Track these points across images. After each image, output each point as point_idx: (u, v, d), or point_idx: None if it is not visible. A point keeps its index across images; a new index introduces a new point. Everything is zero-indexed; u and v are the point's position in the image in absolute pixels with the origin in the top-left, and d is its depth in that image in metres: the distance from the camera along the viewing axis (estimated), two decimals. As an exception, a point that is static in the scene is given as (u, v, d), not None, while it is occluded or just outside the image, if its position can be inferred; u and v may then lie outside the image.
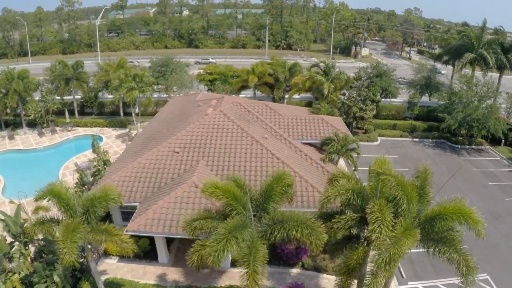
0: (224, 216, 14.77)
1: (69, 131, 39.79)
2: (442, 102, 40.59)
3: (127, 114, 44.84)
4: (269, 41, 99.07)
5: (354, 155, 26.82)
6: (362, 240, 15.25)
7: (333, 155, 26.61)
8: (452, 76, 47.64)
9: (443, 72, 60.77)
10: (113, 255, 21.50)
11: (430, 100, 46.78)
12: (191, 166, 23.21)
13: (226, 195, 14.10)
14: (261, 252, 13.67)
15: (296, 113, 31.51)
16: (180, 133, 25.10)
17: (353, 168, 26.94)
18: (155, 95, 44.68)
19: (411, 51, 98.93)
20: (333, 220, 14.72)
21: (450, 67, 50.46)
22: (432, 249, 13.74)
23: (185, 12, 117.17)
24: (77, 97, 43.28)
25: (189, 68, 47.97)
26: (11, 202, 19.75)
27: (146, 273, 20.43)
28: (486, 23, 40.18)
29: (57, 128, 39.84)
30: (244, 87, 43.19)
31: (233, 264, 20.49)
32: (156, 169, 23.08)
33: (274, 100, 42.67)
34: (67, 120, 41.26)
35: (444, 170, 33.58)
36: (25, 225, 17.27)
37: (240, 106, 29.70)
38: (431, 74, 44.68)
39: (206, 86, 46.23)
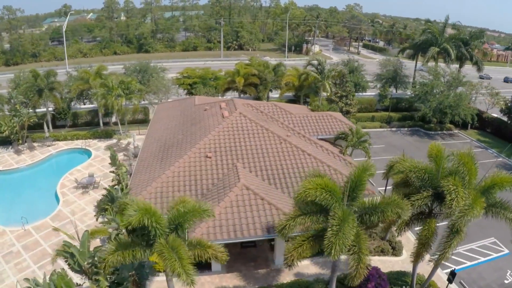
0: (317, 212, 15.41)
1: (49, 146, 36.55)
2: (411, 93, 44.68)
3: (105, 124, 42.51)
4: (219, 42, 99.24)
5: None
6: (430, 215, 17.32)
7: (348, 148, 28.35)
8: (415, 69, 52.54)
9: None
10: (160, 271, 20.71)
11: (396, 92, 51.11)
12: (227, 169, 23.17)
13: (326, 190, 14.74)
14: (365, 239, 14.68)
15: (300, 111, 32.73)
16: (206, 138, 24.82)
17: (367, 157, 28.87)
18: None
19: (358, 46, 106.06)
20: (412, 198, 16.37)
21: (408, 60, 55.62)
22: (491, 213, 16.38)
23: (123, 18, 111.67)
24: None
25: (165, 72, 46.69)
26: (56, 229, 17.37)
27: (204, 284, 20.09)
28: (448, 19, 45.21)
29: (35, 144, 36.39)
30: (228, 88, 43.34)
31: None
32: (193, 176, 22.65)
33: (258, 100, 43.45)
34: (46, 134, 37.79)
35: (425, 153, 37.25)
36: (96, 254, 15.20)
37: (252, 108, 30.08)
38: (398, 68, 48.85)
39: (185, 90, 45.43)
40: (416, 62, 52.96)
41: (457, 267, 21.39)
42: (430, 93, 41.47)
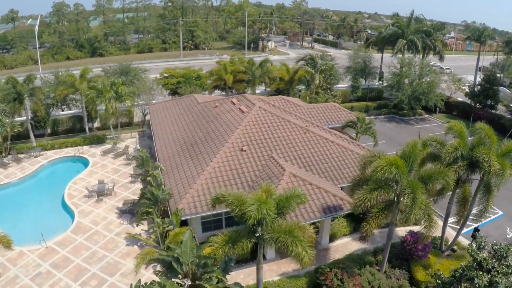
0: (388, 184, 17.23)
1: (36, 157, 34.11)
2: (379, 84, 48.70)
3: (82, 130, 40.61)
4: (175, 42, 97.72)
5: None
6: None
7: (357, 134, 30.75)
8: (382, 61, 57.02)
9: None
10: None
11: (366, 83, 55.15)
12: (263, 161, 24.08)
13: (396, 165, 16.55)
14: (429, 203, 17.06)
15: (303, 103, 34.44)
16: (235, 133, 25.38)
17: (374, 141, 31.46)
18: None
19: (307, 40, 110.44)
20: (454, 166, 19.06)
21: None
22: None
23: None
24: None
25: (145, 74, 45.64)
26: (131, 236, 16.11)
27: (265, 272, 20.84)
28: (413, 13, 49.89)
29: (21, 156, 33.76)
30: (216, 86, 43.77)
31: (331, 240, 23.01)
32: (234, 169, 23.21)
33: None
34: (33, 144, 35.08)
35: (408, 137, 41.17)
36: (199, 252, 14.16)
37: (264, 102, 31.08)
38: (367, 61, 52.76)
39: (168, 90, 44.83)
40: (382, 55, 57.53)
41: (467, 229, 24.57)
42: (402, 82, 45.63)
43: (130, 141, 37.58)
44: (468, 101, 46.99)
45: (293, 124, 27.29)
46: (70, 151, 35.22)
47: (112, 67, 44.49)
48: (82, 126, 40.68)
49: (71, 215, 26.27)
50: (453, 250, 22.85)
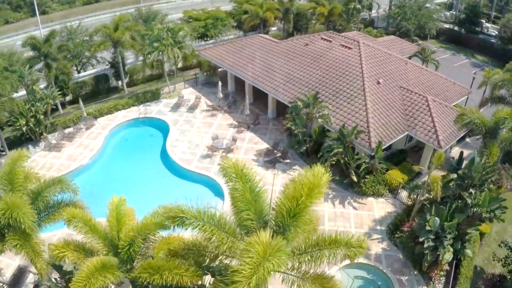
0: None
1: (88, 128, 30.80)
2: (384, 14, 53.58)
3: (114, 88, 37.72)
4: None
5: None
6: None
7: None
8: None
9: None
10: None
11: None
12: (398, 92, 27.22)
13: None
14: None
15: (369, 37, 37.20)
16: (364, 68, 27.53)
17: (435, 68, 36.38)
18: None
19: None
20: None
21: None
22: None
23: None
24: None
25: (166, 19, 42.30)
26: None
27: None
28: None
29: (67, 131, 30.34)
30: (252, 26, 43.48)
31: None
32: (385, 101, 25.98)
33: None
34: (84, 113, 31.38)
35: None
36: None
37: (346, 37, 32.83)
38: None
39: (197, 35, 42.78)
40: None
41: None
42: (407, 12, 51.02)
43: (186, 91, 36.19)
44: (456, 28, 54.92)
45: (393, 57, 30.42)
46: (127, 115, 32.77)
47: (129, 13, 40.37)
48: (108, 86, 37.59)
49: (211, 184, 24.83)
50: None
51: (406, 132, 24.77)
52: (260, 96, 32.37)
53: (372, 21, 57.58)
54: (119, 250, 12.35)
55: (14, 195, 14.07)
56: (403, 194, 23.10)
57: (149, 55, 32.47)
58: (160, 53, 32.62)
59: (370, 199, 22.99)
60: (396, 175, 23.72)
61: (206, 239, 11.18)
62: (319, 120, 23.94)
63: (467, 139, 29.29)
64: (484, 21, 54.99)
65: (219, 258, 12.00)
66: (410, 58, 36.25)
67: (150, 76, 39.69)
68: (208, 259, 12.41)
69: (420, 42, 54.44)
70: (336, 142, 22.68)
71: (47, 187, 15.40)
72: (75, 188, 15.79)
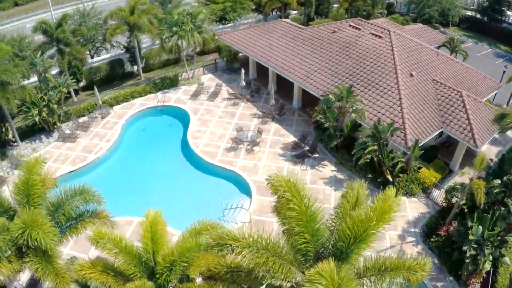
0: None
1: (104, 117, 29.54)
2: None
3: (128, 74, 36.68)
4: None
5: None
6: None
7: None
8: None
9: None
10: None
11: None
12: (431, 85, 26.19)
13: None
14: None
15: (398, 27, 35.84)
16: (396, 59, 26.32)
17: (464, 58, 35.20)
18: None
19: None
20: None
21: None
22: None
23: None
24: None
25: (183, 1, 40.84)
26: None
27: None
28: None
29: (81, 120, 29.29)
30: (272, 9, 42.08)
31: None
32: (419, 95, 24.99)
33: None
34: (99, 101, 30.07)
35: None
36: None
37: (375, 25, 31.55)
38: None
39: (216, 18, 41.36)
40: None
41: None
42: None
43: (206, 78, 35.16)
44: (479, 16, 53.25)
45: (424, 47, 29.24)
46: (144, 103, 31.56)
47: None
48: (123, 71, 36.58)
49: (236, 180, 23.73)
50: None
51: (441, 129, 23.91)
52: (282, 85, 31.26)
53: (390, 6, 55.89)
54: (156, 275, 11.32)
55: (33, 210, 12.74)
56: (436, 193, 22.49)
57: (168, 40, 31.30)
58: (180, 38, 31.46)
59: (403, 198, 22.22)
60: (428, 174, 23.05)
61: (257, 264, 10.11)
62: (353, 114, 23.02)
63: (496, 135, 28.45)
64: (505, 9, 53.30)
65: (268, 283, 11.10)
66: (438, 48, 35.08)
67: (167, 61, 38.55)
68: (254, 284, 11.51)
69: (442, 29, 53.08)
70: (371, 139, 21.89)
71: (68, 199, 14.24)
72: (100, 198, 14.66)
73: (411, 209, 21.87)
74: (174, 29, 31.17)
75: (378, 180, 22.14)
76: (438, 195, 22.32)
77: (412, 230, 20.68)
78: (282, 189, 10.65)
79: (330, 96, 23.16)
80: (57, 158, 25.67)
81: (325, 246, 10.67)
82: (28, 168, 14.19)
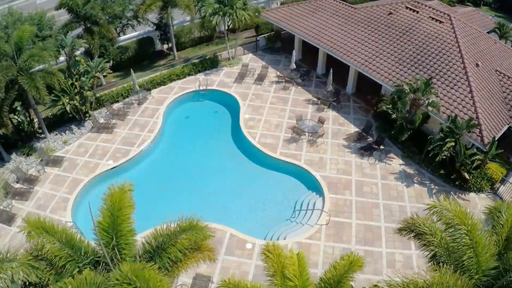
0: None
1: (141, 103, 27.34)
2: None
3: (158, 53, 35.08)
4: None
5: None
6: None
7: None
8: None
9: None
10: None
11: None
12: (493, 74, 25.60)
13: None
14: None
15: (451, 10, 34.58)
16: (462, 48, 25.42)
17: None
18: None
19: None
20: None
21: None
22: None
23: None
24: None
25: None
26: None
27: None
28: None
29: (116, 107, 27.31)
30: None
31: None
32: (486, 88, 24.34)
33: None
34: (136, 86, 27.65)
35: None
36: None
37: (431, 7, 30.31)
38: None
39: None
40: None
41: None
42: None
43: (246, 58, 33.74)
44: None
45: (483, 34, 28.41)
46: (183, 86, 29.73)
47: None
48: (153, 50, 34.94)
49: (302, 175, 22.35)
50: None
51: (510, 123, 23.60)
52: (331, 68, 30.16)
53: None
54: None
55: (137, 264, 10.00)
56: (502, 189, 22.45)
57: (211, 17, 29.58)
58: (223, 15, 29.78)
59: (472, 195, 21.97)
60: (494, 168, 22.93)
61: None
62: (429, 108, 22.33)
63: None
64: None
65: None
66: (489, 33, 34.25)
67: (200, 38, 36.86)
68: None
69: (474, 8, 51.79)
70: (448, 135, 21.36)
71: (176, 234, 11.60)
72: (209, 233, 12.18)
73: (482, 206, 21.60)
74: (217, 5, 29.50)
75: (452, 177, 21.86)
76: (505, 190, 22.30)
77: (486, 230, 20.65)
78: (447, 215, 10.33)
79: (405, 87, 22.40)
80: (94, 152, 23.77)
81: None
82: (113, 199, 11.11)
